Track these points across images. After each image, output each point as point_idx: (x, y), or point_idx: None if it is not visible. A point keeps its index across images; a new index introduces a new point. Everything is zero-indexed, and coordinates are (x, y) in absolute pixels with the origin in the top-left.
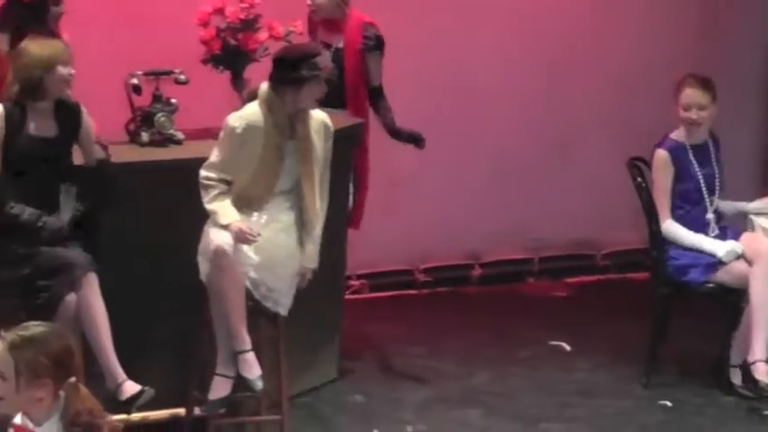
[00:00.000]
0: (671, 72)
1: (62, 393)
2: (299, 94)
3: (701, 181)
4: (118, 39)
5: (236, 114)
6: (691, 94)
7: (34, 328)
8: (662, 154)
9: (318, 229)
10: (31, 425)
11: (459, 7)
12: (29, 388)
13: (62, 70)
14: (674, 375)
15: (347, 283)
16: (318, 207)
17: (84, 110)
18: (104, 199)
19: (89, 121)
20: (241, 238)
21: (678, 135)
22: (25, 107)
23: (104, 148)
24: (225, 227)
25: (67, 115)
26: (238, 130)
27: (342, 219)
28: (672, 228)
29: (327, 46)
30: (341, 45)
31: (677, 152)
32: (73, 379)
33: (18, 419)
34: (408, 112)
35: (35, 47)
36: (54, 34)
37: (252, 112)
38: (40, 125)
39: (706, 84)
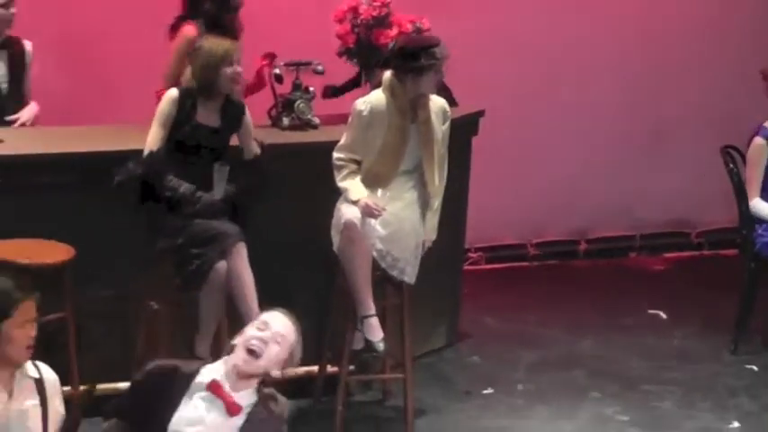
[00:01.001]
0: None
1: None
2: (419, 81)
3: None
4: (261, 32)
5: (363, 99)
6: None
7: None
8: (760, 141)
9: (438, 204)
10: (230, 391)
11: None
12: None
13: (230, 71)
14: (759, 344)
15: (466, 255)
16: (438, 185)
17: (247, 110)
18: (254, 189)
19: (250, 119)
20: (368, 212)
21: None
22: (196, 97)
23: (261, 145)
24: (354, 202)
25: (232, 112)
26: (364, 113)
27: (461, 197)
28: (759, 205)
29: None
30: None
31: None
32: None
33: (205, 377)
34: (517, 95)
35: (208, 47)
36: (237, 24)
37: (376, 97)
38: (206, 116)
39: None
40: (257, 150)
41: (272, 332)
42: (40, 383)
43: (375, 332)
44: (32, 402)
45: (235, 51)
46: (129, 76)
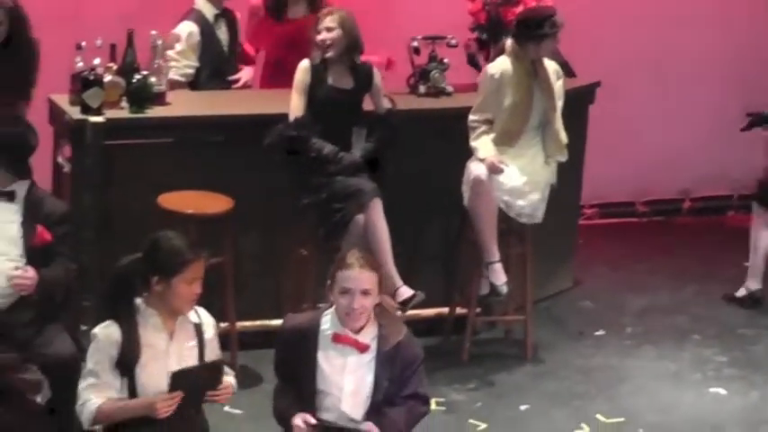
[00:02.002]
0: None
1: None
2: (540, 47)
3: None
4: (398, 9)
5: (492, 65)
6: None
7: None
8: None
9: (561, 154)
10: (353, 334)
11: None
12: (375, 301)
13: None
14: None
15: (581, 210)
16: (562, 135)
17: (375, 69)
18: (389, 140)
19: (379, 78)
20: (493, 169)
21: None
22: (327, 64)
23: (391, 100)
24: (481, 160)
25: (363, 73)
26: (496, 76)
27: (578, 159)
28: None
29: None
30: None
31: None
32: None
33: (329, 326)
34: (630, 66)
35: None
36: None
37: (503, 61)
38: (338, 79)
39: None
40: (389, 105)
41: (357, 294)
42: (198, 327)
43: (499, 276)
44: (191, 344)
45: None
46: None
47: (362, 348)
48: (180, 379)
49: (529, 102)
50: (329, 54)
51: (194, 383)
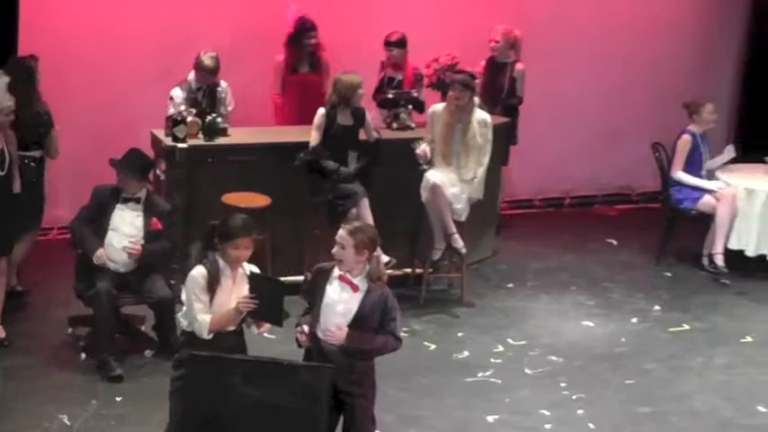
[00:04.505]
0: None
1: (369, 261)
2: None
3: (702, 154)
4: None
5: (433, 106)
6: (711, 108)
7: (358, 224)
8: (686, 137)
9: (480, 176)
10: (350, 276)
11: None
12: (357, 255)
13: (361, 92)
14: (673, 260)
15: (501, 202)
16: (472, 167)
17: (367, 112)
18: (375, 159)
19: (369, 117)
20: (421, 153)
21: (693, 128)
22: (337, 110)
23: (377, 132)
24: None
25: (359, 113)
26: (429, 113)
27: (496, 174)
28: (680, 175)
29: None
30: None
31: (695, 137)
32: (376, 252)
33: (337, 272)
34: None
35: (345, 78)
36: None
37: (440, 105)
38: (343, 119)
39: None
40: (376, 136)
41: (338, 245)
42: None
43: (458, 242)
44: (246, 287)
45: (363, 82)
46: None
47: (355, 288)
48: (256, 280)
49: (450, 135)
50: (327, 106)
51: (266, 289)
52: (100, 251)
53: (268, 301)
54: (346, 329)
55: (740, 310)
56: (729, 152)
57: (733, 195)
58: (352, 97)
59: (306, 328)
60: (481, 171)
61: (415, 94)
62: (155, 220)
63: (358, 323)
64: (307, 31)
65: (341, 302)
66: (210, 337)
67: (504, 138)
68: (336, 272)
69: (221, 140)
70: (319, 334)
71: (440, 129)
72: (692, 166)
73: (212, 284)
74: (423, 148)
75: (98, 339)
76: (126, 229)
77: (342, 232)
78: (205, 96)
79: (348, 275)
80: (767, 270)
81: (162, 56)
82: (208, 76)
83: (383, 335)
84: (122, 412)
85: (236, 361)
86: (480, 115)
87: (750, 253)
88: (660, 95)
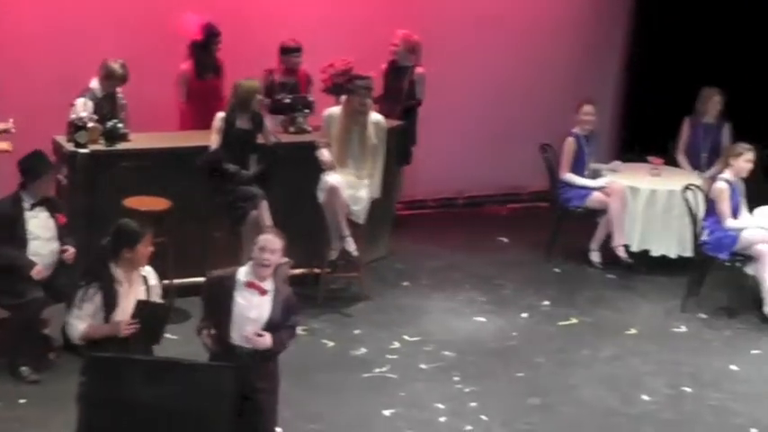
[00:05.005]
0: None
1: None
2: (346, 99)
3: (586, 155)
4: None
5: (329, 109)
6: (588, 109)
7: (271, 227)
8: (570, 139)
9: (378, 178)
10: (258, 281)
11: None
12: (281, 257)
13: (259, 97)
14: (561, 257)
15: (396, 204)
16: (370, 170)
17: (264, 117)
18: (273, 163)
19: (267, 121)
20: (322, 156)
21: (576, 129)
22: (238, 114)
23: (275, 136)
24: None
25: (257, 118)
26: (325, 116)
27: (394, 174)
28: (568, 176)
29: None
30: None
31: (579, 139)
32: (284, 260)
33: (243, 279)
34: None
35: (245, 83)
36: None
37: (336, 108)
38: (242, 123)
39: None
40: (274, 139)
41: (269, 251)
42: (145, 278)
43: (351, 245)
44: (142, 288)
45: (260, 87)
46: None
47: (263, 292)
48: (139, 308)
49: (347, 138)
50: (229, 111)
51: (147, 314)
52: (37, 268)
53: (150, 325)
54: (269, 336)
55: (624, 304)
56: (615, 166)
57: (622, 189)
58: (251, 102)
59: (211, 332)
60: (377, 172)
61: (311, 98)
62: (60, 216)
63: (271, 326)
64: (215, 37)
65: (252, 308)
66: (83, 342)
67: (404, 138)
68: (242, 277)
69: (122, 145)
70: (233, 340)
71: (336, 132)
72: (577, 166)
73: (110, 298)
74: (325, 156)
75: (17, 345)
76: (45, 234)
77: (270, 237)
78: (106, 102)
79: (257, 281)
80: (650, 265)
81: (62, 63)
82: (117, 83)
83: (287, 330)
84: (25, 414)
85: (137, 361)
86: (375, 117)
87: (634, 248)
88: (549, 96)
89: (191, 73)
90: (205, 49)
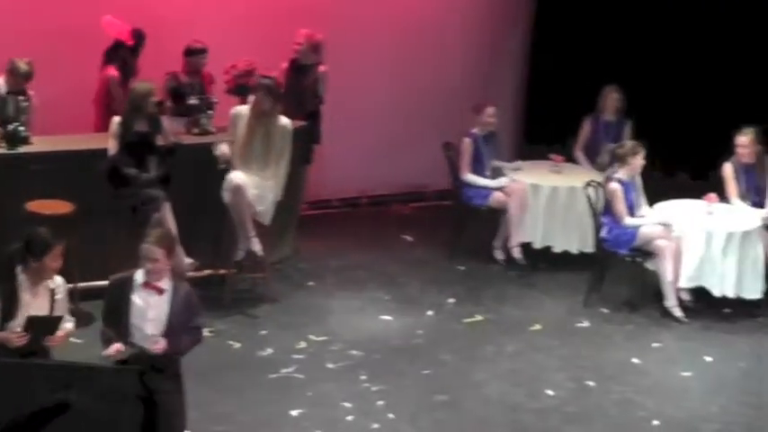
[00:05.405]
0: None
1: (171, 263)
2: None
3: (485, 155)
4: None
5: (236, 107)
6: (491, 111)
7: (156, 231)
8: (467, 140)
9: (282, 178)
10: (155, 281)
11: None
12: (167, 260)
13: (153, 99)
14: (464, 255)
15: (300, 205)
16: (275, 169)
17: (163, 119)
18: (173, 165)
19: (167, 123)
20: (221, 150)
21: (475, 130)
22: (134, 117)
23: (176, 137)
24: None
25: (155, 120)
26: (233, 114)
27: (299, 175)
28: (468, 177)
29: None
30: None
31: (476, 140)
32: (189, 261)
33: (140, 280)
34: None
35: (138, 87)
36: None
37: (243, 107)
38: (140, 126)
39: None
40: (174, 141)
41: (150, 260)
42: (53, 292)
43: (256, 245)
44: (46, 301)
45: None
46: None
47: (160, 292)
48: (30, 323)
49: (252, 138)
50: (125, 115)
51: (38, 327)
52: None
53: (40, 337)
54: (162, 341)
55: (528, 301)
56: (518, 165)
57: (522, 189)
58: (146, 104)
59: (117, 346)
60: (280, 174)
61: (214, 99)
62: None
63: (172, 325)
64: (143, 41)
65: (150, 308)
66: None
67: (307, 137)
68: (139, 279)
69: (24, 149)
70: (135, 342)
71: (241, 131)
72: (478, 166)
73: (11, 305)
74: (222, 150)
75: None
76: None
77: (148, 246)
78: (11, 103)
79: (152, 281)
80: (553, 262)
81: None
82: (22, 81)
83: (191, 331)
84: None
85: (38, 366)
86: (281, 121)
87: (537, 245)
88: (451, 96)
89: (119, 78)
90: (133, 53)
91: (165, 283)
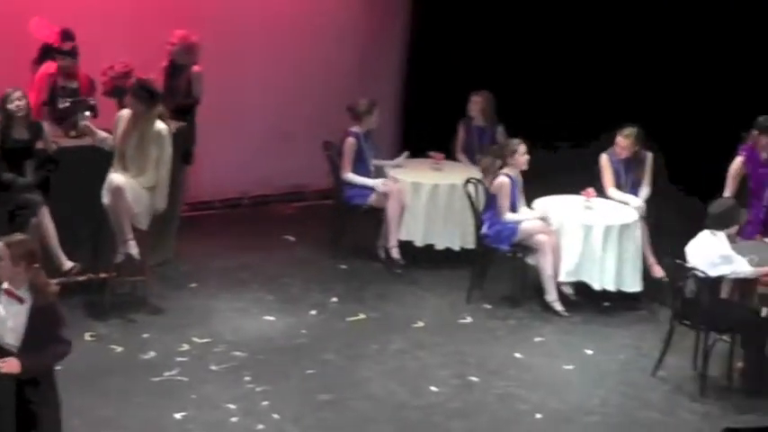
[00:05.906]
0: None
1: (30, 273)
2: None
3: (367, 153)
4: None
5: (122, 110)
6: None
7: (17, 236)
8: (351, 140)
9: (163, 188)
10: (14, 290)
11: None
12: (14, 267)
13: (12, 106)
14: (348, 253)
15: (181, 208)
16: (152, 175)
17: (44, 125)
18: (53, 169)
19: (46, 127)
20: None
21: (357, 129)
22: (11, 123)
23: (56, 143)
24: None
25: (34, 127)
26: (117, 116)
27: (178, 175)
28: (350, 176)
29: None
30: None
31: (359, 138)
32: (36, 265)
33: (5, 286)
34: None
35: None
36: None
37: (126, 111)
38: (18, 133)
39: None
40: (54, 146)
41: None
42: None
43: (134, 248)
44: None
45: (12, 94)
46: None
47: (20, 301)
48: None
49: (126, 141)
50: (2, 123)
51: None
52: None
53: None
54: (15, 361)
55: (411, 298)
56: (403, 156)
57: (399, 190)
58: (9, 110)
59: None
60: (162, 182)
61: (93, 102)
62: None
63: (30, 338)
64: (73, 40)
65: (9, 317)
66: None
67: (184, 138)
68: (4, 286)
69: None
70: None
71: (119, 134)
72: (360, 165)
73: None
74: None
75: None
76: None
77: None
78: None
79: (12, 288)
80: (434, 260)
81: None
82: None
83: (55, 344)
84: None
85: None
86: (158, 126)
87: (418, 243)
88: (330, 96)
89: (56, 76)
90: (70, 54)
91: (25, 294)
